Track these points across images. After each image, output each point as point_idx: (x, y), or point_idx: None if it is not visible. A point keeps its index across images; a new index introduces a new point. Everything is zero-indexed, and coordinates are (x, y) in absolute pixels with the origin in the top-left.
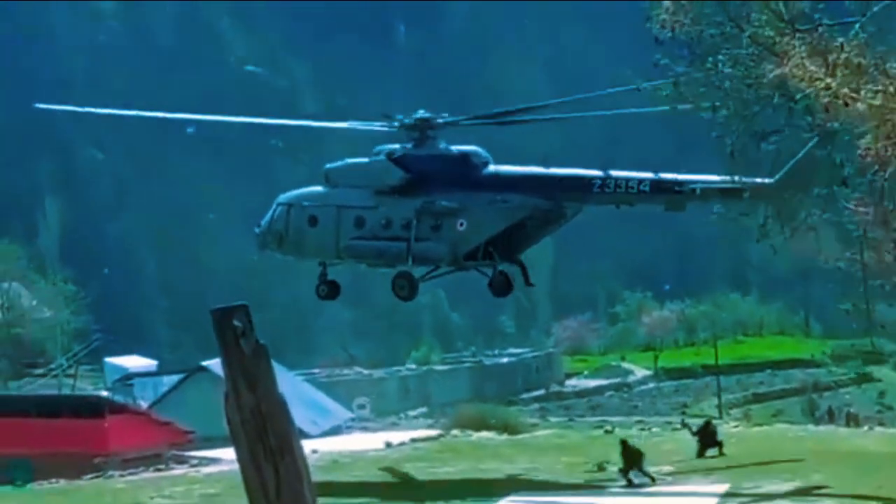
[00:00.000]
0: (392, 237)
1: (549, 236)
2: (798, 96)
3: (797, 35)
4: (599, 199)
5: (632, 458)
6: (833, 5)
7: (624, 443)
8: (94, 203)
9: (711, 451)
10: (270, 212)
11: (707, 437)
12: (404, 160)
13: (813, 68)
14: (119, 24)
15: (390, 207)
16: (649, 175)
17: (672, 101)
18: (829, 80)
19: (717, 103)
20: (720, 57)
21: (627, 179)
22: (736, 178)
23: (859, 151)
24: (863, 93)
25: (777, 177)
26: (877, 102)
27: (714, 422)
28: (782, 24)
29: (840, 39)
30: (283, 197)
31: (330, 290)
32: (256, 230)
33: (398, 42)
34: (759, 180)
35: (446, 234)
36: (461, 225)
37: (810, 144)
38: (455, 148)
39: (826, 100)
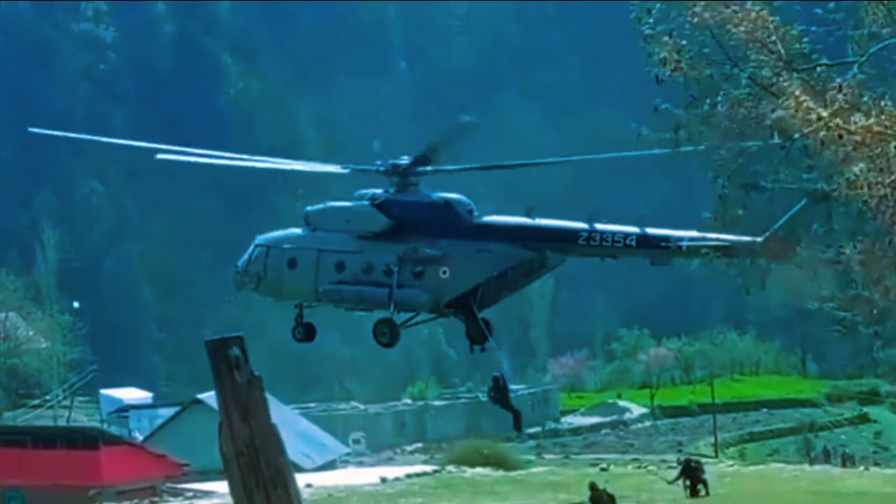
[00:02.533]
0: (373, 282)
1: (551, 274)
2: (795, 136)
3: (795, 75)
4: (584, 251)
5: None
6: (832, 46)
7: (593, 487)
8: (93, 234)
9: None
10: (248, 252)
11: (692, 475)
12: (387, 206)
13: (810, 105)
14: (118, 55)
15: (372, 253)
16: (635, 229)
17: (672, 144)
18: (820, 110)
19: (716, 144)
20: (719, 98)
21: (613, 233)
22: (723, 236)
23: (849, 183)
24: (854, 119)
25: (766, 235)
26: (870, 123)
27: (700, 460)
28: (781, 63)
29: (838, 80)
30: (261, 238)
31: (306, 332)
32: (234, 270)
33: (399, 77)
34: (746, 238)
35: (429, 281)
36: (444, 273)
37: (800, 204)
38: (438, 195)
39: (821, 133)
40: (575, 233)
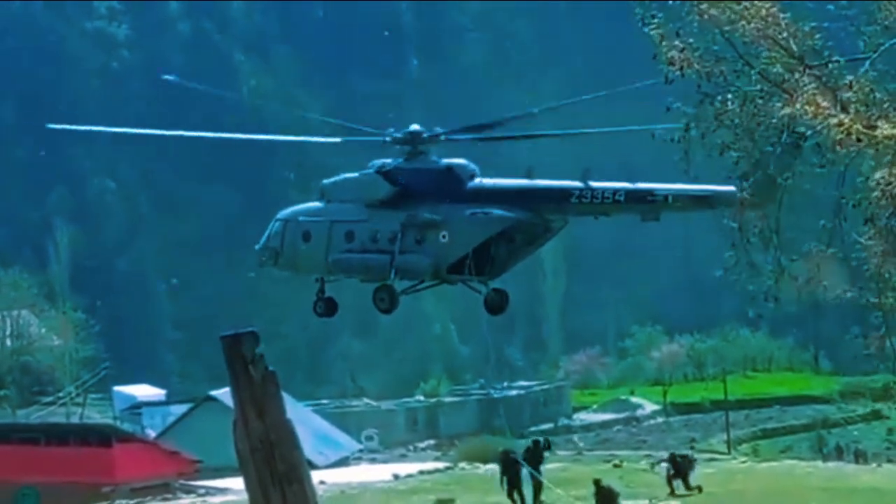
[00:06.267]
0: (378, 250)
1: (564, 272)
2: (808, 133)
3: (807, 71)
4: (578, 209)
5: (605, 500)
6: (844, 42)
7: (597, 483)
8: (105, 232)
9: (677, 483)
10: (269, 228)
11: (680, 469)
12: (393, 174)
13: (825, 104)
14: (131, 53)
15: (378, 221)
16: (624, 185)
17: (683, 143)
18: (842, 115)
19: (727, 142)
20: (729, 95)
21: (603, 190)
22: (705, 186)
23: (872, 189)
24: (879, 126)
25: (746, 185)
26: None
27: (689, 455)
28: (792, 60)
29: (850, 77)
30: (281, 213)
31: (327, 307)
32: (256, 247)
33: (411, 76)
34: (726, 188)
35: (429, 246)
36: (444, 237)
37: (777, 151)
38: (442, 161)
39: (839, 137)
40: (568, 191)
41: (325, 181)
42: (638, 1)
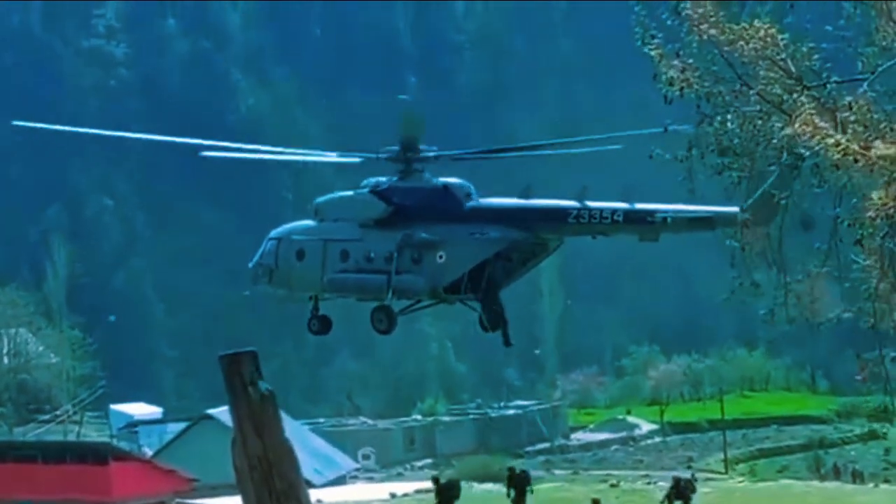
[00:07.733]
0: (374, 270)
1: (561, 292)
2: (806, 154)
3: (805, 92)
4: (576, 229)
5: None
6: (842, 63)
7: (595, 503)
8: (103, 250)
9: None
10: (262, 246)
11: (682, 492)
12: (388, 193)
13: (823, 124)
14: (128, 71)
15: (373, 240)
16: (623, 205)
17: (686, 163)
18: (839, 136)
19: (726, 161)
20: (728, 116)
21: (601, 210)
22: (705, 207)
23: (868, 212)
24: (875, 146)
25: (745, 205)
26: (890, 151)
27: (691, 478)
28: (790, 80)
29: (848, 98)
30: (274, 232)
31: (321, 324)
32: (250, 265)
33: (409, 92)
34: (726, 209)
35: (426, 266)
36: (441, 258)
37: (776, 173)
38: (438, 180)
39: (836, 157)
40: (565, 211)
41: (318, 199)
42: (636, 2)
